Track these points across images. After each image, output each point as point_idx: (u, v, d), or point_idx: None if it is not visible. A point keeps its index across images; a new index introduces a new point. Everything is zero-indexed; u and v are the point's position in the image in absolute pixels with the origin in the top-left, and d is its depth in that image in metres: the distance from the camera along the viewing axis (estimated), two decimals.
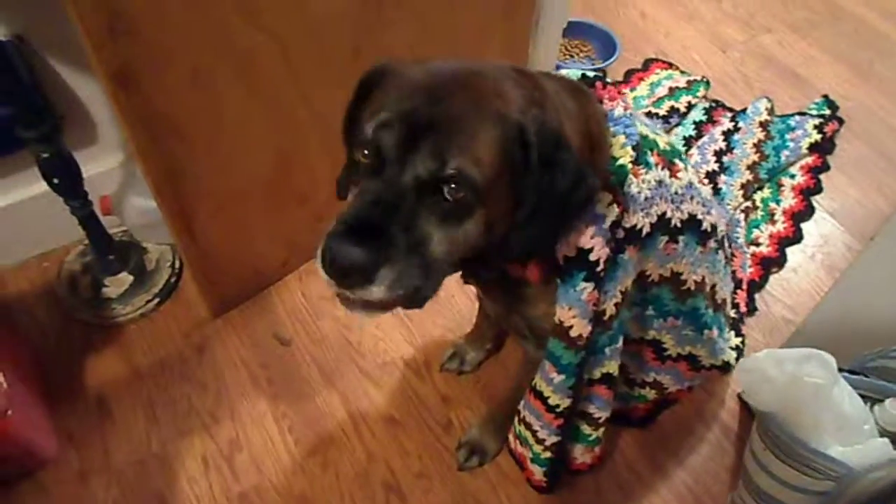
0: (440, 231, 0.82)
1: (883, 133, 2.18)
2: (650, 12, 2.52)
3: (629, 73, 2.28)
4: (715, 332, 1.33)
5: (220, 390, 1.55)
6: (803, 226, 1.92)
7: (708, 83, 2.25)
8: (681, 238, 1.10)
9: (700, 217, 1.13)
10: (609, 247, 0.97)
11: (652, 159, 1.00)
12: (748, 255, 1.82)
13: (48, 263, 1.73)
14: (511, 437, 1.40)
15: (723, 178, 1.96)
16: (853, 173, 2.07)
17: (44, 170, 1.41)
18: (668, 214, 1.05)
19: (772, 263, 1.82)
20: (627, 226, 0.98)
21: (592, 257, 0.96)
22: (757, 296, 1.76)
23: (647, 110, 2.11)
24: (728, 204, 1.89)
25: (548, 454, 1.30)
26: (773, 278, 1.81)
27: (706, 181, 1.94)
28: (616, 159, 0.95)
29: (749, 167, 1.99)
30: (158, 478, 1.43)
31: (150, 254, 1.74)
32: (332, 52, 1.39)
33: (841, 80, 2.33)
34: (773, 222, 1.92)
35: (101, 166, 1.68)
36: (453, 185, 0.79)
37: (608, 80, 1.08)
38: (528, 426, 1.30)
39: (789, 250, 1.86)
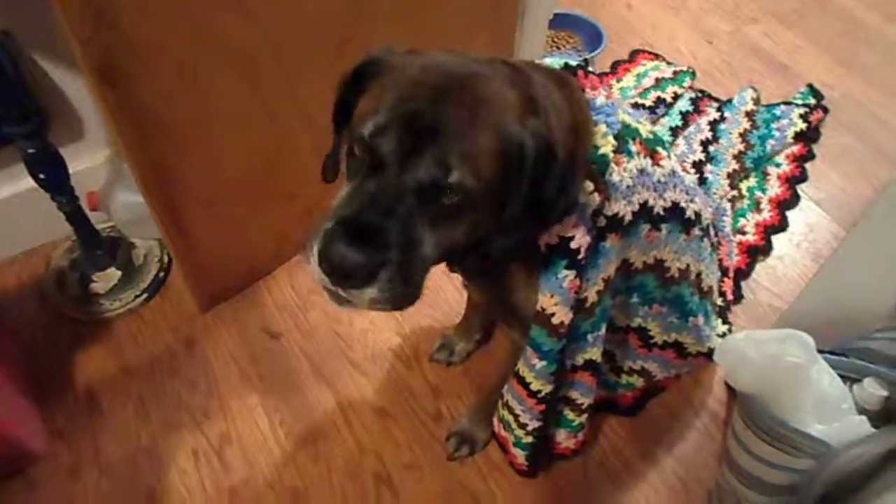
0: (432, 233, 0.82)
1: (868, 122, 2.20)
2: (636, 4, 2.53)
3: (616, 65, 2.29)
4: (700, 319, 1.34)
5: (209, 385, 1.55)
6: (789, 214, 1.93)
7: (694, 73, 2.26)
8: (664, 226, 1.11)
9: (683, 205, 1.14)
10: (590, 235, 0.98)
11: (634, 148, 1.01)
12: (734, 244, 1.83)
13: (35, 260, 1.73)
14: (495, 421, 1.41)
15: (709, 167, 1.97)
16: (838, 162, 2.08)
17: (30, 166, 1.41)
18: (651, 202, 1.06)
19: (758, 251, 1.84)
20: (609, 214, 0.99)
21: (574, 245, 0.97)
22: (743, 284, 1.77)
23: (633, 101, 2.12)
24: (714, 193, 1.91)
25: (530, 439, 1.31)
26: (759, 266, 1.82)
27: (692, 170, 1.95)
28: (598, 148, 0.96)
29: (735, 156, 2.00)
30: (149, 472, 1.43)
31: (138, 249, 1.74)
32: (319, 45, 1.39)
33: (826, 70, 2.34)
34: (759, 211, 1.93)
35: (87, 162, 1.68)
36: (451, 193, 0.79)
37: (590, 69, 1.09)
38: (511, 410, 1.31)
39: (775, 238, 1.88)
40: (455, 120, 0.79)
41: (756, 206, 1.93)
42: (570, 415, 1.32)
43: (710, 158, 1.99)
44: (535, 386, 1.18)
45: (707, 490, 1.42)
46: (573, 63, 1.05)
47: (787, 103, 2.17)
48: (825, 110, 2.17)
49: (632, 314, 1.28)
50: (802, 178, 2.01)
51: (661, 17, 2.50)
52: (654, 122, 2.09)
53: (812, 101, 2.18)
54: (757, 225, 1.89)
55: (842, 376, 0.63)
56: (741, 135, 2.05)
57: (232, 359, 1.59)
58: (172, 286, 1.71)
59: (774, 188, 1.97)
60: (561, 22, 2.27)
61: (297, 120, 1.47)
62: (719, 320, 1.56)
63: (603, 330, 1.16)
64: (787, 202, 1.95)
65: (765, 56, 2.39)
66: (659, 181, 1.07)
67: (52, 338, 1.61)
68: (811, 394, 0.69)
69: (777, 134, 2.07)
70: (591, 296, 1.06)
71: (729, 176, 1.96)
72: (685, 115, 2.12)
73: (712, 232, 1.37)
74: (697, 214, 1.19)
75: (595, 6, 2.46)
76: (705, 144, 2.02)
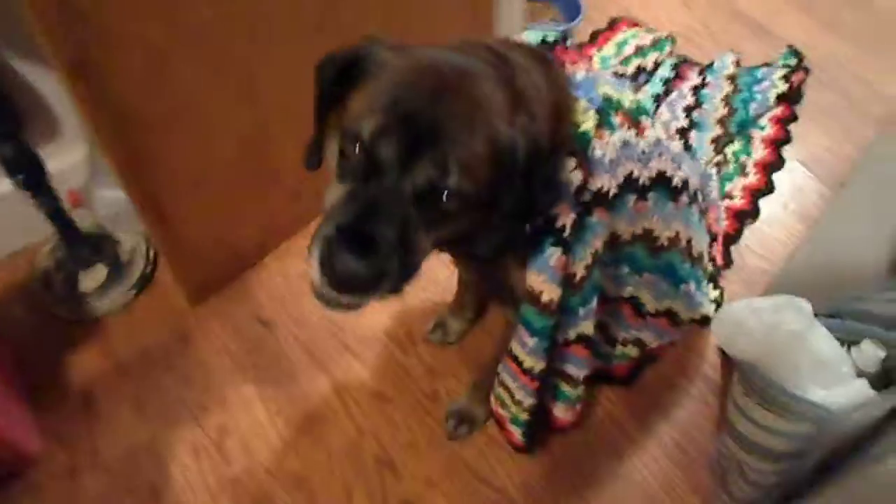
0: (428, 234, 0.84)
1: (849, 81, 2.19)
2: None
3: (595, 34, 2.27)
4: (692, 285, 1.34)
5: (205, 378, 1.54)
6: (775, 177, 1.93)
7: (674, 40, 2.24)
8: (650, 195, 1.11)
9: (669, 173, 1.14)
10: (575, 212, 0.98)
11: (616, 120, 1.01)
12: (722, 209, 1.83)
13: (20, 262, 1.71)
14: (492, 399, 1.41)
15: (693, 133, 1.96)
16: (822, 122, 2.08)
17: (7, 167, 1.39)
18: (636, 174, 1.06)
19: (746, 215, 1.84)
20: (593, 189, 0.99)
21: (559, 224, 0.97)
22: (733, 248, 1.78)
23: (614, 70, 2.10)
24: (700, 159, 1.90)
25: (525, 415, 1.32)
26: (747, 230, 1.82)
27: (677, 137, 1.94)
28: (579, 125, 0.96)
29: (719, 121, 2.00)
30: (150, 469, 1.43)
31: (124, 245, 1.72)
32: (296, 25, 1.36)
33: (806, 30, 2.33)
34: (745, 175, 1.93)
35: (66, 160, 1.65)
36: (448, 197, 0.80)
37: (569, 42, 1.08)
38: (507, 388, 1.31)
39: (763, 202, 1.88)
40: (451, 124, 0.79)
41: (742, 170, 1.93)
42: (565, 388, 1.32)
43: (694, 124, 1.98)
44: (528, 363, 1.18)
45: (706, 456, 1.43)
46: (551, 38, 1.04)
47: (768, 65, 2.16)
48: (807, 71, 2.16)
49: (623, 284, 1.28)
50: (787, 139, 2.01)
51: None
52: (636, 91, 2.07)
53: (793, 62, 2.17)
54: (744, 189, 1.89)
55: (839, 339, 0.63)
56: (724, 99, 2.04)
57: (226, 350, 1.59)
58: (161, 281, 1.69)
59: (759, 151, 1.97)
60: None
61: (276, 102, 1.45)
62: (710, 285, 1.56)
63: (594, 303, 1.16)
64: (773, 165, 1.94)
65: (744, 19, 2.37)
66: (643, 151, 1.07)
67: (42, 339, 1.60)
68: (810, 359, 0.69)
69: (759, 97, 2.06)
70: (580, 271, 1.06)
71: (713, 141, 1.95)
72: (667, 82, 2.11)
73: (699, 198, 1.37)
74: (685, 181, 1.18)
75: None
76: (689, 111, 2.01)
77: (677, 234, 1.22)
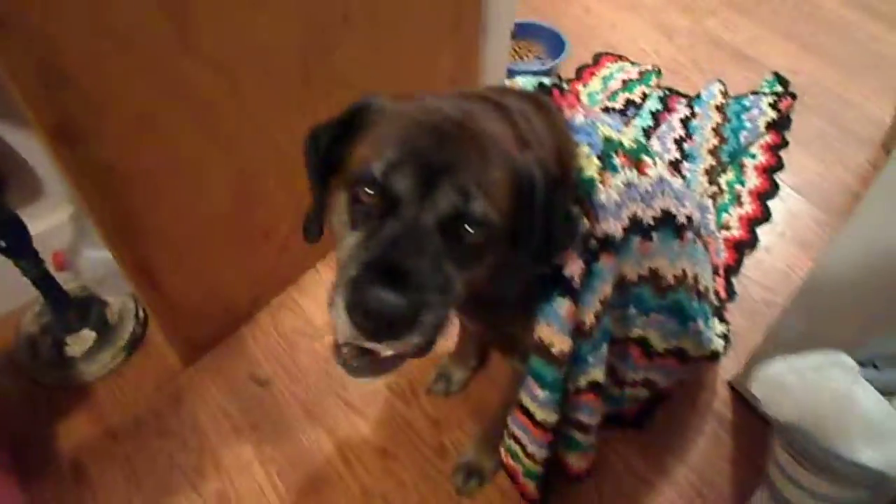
0: (459, 273, 0.79)
1: (835, 104, 2.20)
2: (594, 6, 2.52)
3: (580, 70, 2.27)
4: (700, 323, 1.31)
5: (201, 442, 1.48)
6: (770, 204, 1.92)
7: (659, 72, 2.25)
8: (655, 235, 1.09)
9: (674, 211, 1.11)
10: (582, 259, 0.94)
11: (618, 161, 0.98)
12: (721, 241, 1.81)
13: (4, 328, 1.65)
14: (503, 451, 1.36)
15: (686, 165, 1.95)
16: (812, 147, 2.08)
17: None
18: (640, 214, 1.04)
19: (744, 245, 1.82)
20: (600, 235, 0.96)
21: (567, 273, 0.94)
22: (734, 280, 1.76)
23: (603, 105, 2.10)
24: (694, 191, 1.89)
25: (539, 468, 1.27)
26: (747, 260, 1.81)
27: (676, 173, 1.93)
28: (583, 170, 0.93)
29: (710, 152, 1.99)
30: None
31: (112, 306, 1.67)
32: (281, 78, 1.34)
33: (788, 56, 2.34)
34: (741, 204, 1.91)
35: (49, 221, 1.60)
36: (473, 227, 0.76)
37: (564, 85, 1.06)
38: (518, 440, 1.26)
39: (760, 230, 1.87)
40: (466, 153, 0.77)
41: (737, 200, 1.92)
42: (579, 437, 1.28)
43: (685, 156, 1.97)
44: (539, 416, 1.14)
45: (723, 497, 1.39)
46: (548, 82, 1.01)
47: (755, 93, 2.17)
48: (793, 96, 2.17)
49: (630, 326, 1.24)
50: (779, 166, 2.00)
51: (619, 17, 2.49)
52: (626, 124, 2.07)
53: (779, 88, 2.18)
54: (740, 219, 1.87)
55: (881, 392, 0.60)
56: (714, 129, 2.03)
57: (221, 411, 1.53)
58: (151, 341, 1.64)
59: (753, 180, 1.96)
60: (521, 31, 2.25)
61: (263, 156, 1.42)
62: (716, 320, 1.54)
63: (604, 349, 1.12)
64: (767, 193, 1.93)
65: (726, 47, 2.39)
66: (647, 191, 1.04)
67: (29, 407, 1.53)
68: (858, 418, 0.65)
69: (749, 125, 2.06)
70: (589, 319, 1.02)
71: (707, 172, 1.94)
72: (656, 115, 2.11)
73: (702, 231, 1.34)
74: (689, 218, 1.16)
75: (553, 13, 2.44)
76: (679, 142, 2.00)
77: (684, 271, 1.20)
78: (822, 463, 0.83)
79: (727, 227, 1.86)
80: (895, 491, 0.70)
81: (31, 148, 1.47)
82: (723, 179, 1.96)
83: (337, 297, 0.74)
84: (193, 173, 1.32)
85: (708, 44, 2.40)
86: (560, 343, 0.99)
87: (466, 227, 0.77)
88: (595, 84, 2.20)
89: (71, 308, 1.58)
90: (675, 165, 1.94)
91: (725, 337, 1.52)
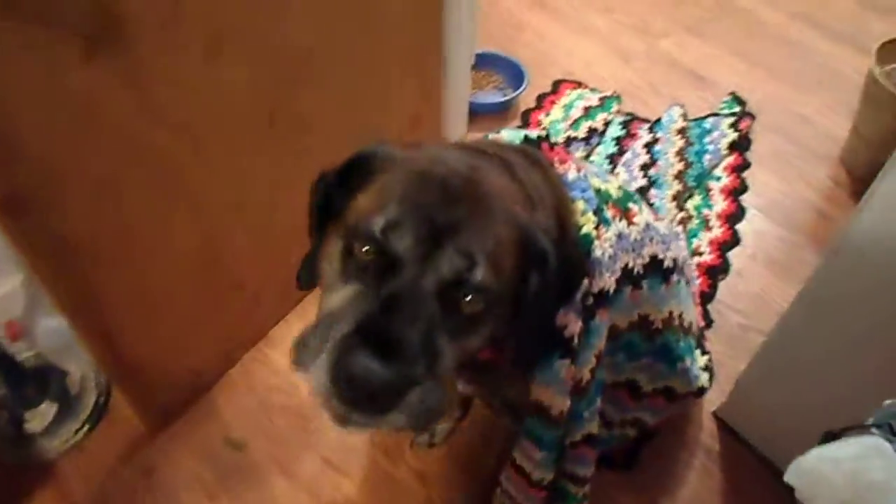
0: (452, 344, 0.74)
1: (791, 121, 2.23)
2: (548, 33, 2.51)
3: (541, 98, 2.26)
4: (688, 361, 1.30)
5: None
6: (738, 227, 1.92)
7: (619, 98, 2.24)
8: (644, 283, 1.07)
9: (661, 256, 1.10)
10: (581, 318, 0.92)
11: (609, 213, 0.96)
12: (693, 267, 1.80)
13: None
14: None
15: (653, 191, 1.95)
16: (772, 166, 2.10)
17: None
18: (630, 264, 1.02)
19: (717, 271, 1.82)
20: (596, 291, 0.93)
21: (567, 334, 0.90)
22: (710, 306, 1.75)
23: (567, 135, 2.09)
24: (664, 218, 1.88)
25: None
26: (721, 286, 1.80)
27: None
28: (580, 227, 0.90)
29: (676, 177, 1.99)
30: None
31: (72, 375, 1.58)
32: (244, 129, 1.29)
33: (743, 75, 2.37)
34: (710, 228, 1.92)
35: (1, 288, 1.51)
36: (474, 294, 0.72)
37: (553, 140, 1.04)
38: (511, 498, 1.22)
39: (730, 254, 1.87)
40: (472, 213, 0.73)
41: (706, 224, 1.92)
42: (572, 489, 1.24)
43: (652, 183, 1.97)
44: (536, 476, 1.10)
45: None
46: (534, 135, 0.99)
47: (714, 115, 2.18)
48: (752, 116, 2.19)
49: (620, 371, 1.23)
50: (743, 188, 2.02)
51: (575, 43, 2.49)
52: (589, 153, 2.06)
53: (737, 108, 2.20)
54: (711, 243, 1.87)
55: None
56: (677, 154, 2.04)
57: (196, 479, 1.46)
58: (117, 410, 1.55)
59: (720, 203, 1.97)
60: (479, 62, 2.22)
61: (229, 209, 1.37)
62: (699, 352, 1.52)
63: (598, 402, 1.09)
64: (735, 215, 1.94)
65: (682, 69, 2.40)
66: (636, 240, 1.03)
67: None
68: None
69: (711, 147, 2.07)
70: (585, 375, 1.00)
71: (674, 198, 1.94)
72: (619, 141, 2.10)
73: (685, 269, 1.33)
74: (674, 261, 1.15)
75: (510, 42, 2.43)
76: (645, 169, 2.00)
77: (670, 313, 1.18)
78: None
79: (698, 253, 1.85)
80: None
81: None
82: (690, 204, 1.96)
83: (325, 354, 0.68)
84: (157, 236, 1.26)
85: (663, 66, 2.41)
86: (560, 404, 0.96)
87: (466, 294, 0.72)
88: (556, 113, 2.19)
89: (28, 381, 1.50)
90: (642, 192, 1.94)
91: (709, 369, 1.50)
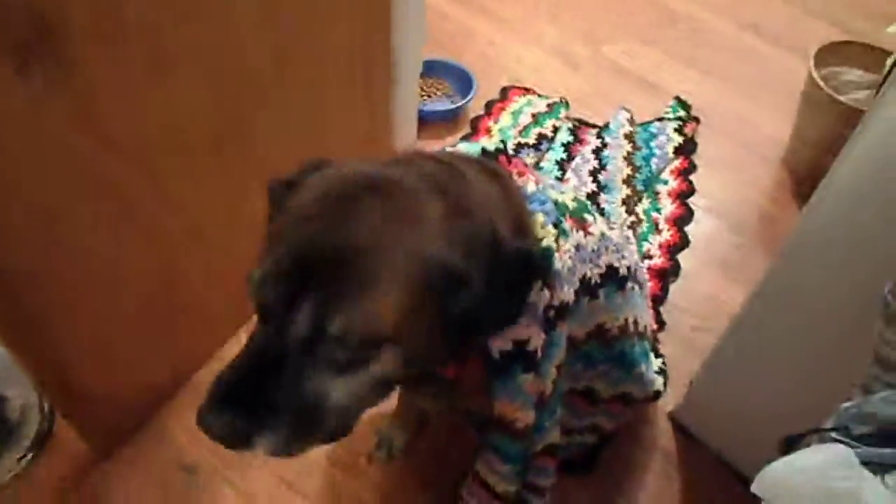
0: (340, 383, 0.76)
1: (735, 123, 2.27)
2: (497, 40, 2.52)
3: (489, 105, 2.26)
4: (643, 366, 1.31)
5: None
6: (687, 229, 1.95)
7: (567, 104, 2.26)
8: (601, 292, 1.07)
9: (616, 265, 1.11)
10: (544, 330, 0.91)
11: (567, 225, 0.96)
12: (644, 270, 1.82)
13: None
14: None
15: (603, 196, 1.96)
16: (719, 168, 2.14)
17: None
18: (588, 275, 1.02)
19: (667, 274, 1.84)
20: (556, 303, 0.92)
21: (530, 348, 0.90)
22: (662, 309, 1.77)
23: (517, 141, 2.09)
24: (615, 222, 1.90)
25: None
26: (672, 288, 1.83)
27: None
28: (540, 240, 0.90)
29: (625, 181, 2.01)
30: None
31: (12, 401, 1.51)
32: (195, 152, 1.25)
33: (687, 80, 2.41)
34: (659, 231, 1.94)
35: None
36: (334, 345, 0.72)
37: (511, 151, 1.03)
38: None
39: (680, 256, 1.89)
40: (354, 251, 0.72)
41: (655, 228, 1.94)
42: (534, 500, 1.23)
43: (602, 188, 1.98)
44: (500, 488, 1.10)
45: None
46: (491, 147, 0.98)
47: (660, 119, 2.22)
48: (697, 120, 2.23)
49: (578, 380, 1.23)
50: (690, 191, 2.05)
51: (523, 50, 2.50)
52: (540, 159, 2.07)
53: (682, 112, 2.24)
54: (661, 246, 1.90)
55: (863, 463, 0.59)
56: (625, 158, 2.06)
57: None
58: (61, 436, 1.49)
59: (668, 206, 2.00)
60: (427, 69, 2.21)
61: (182, 233, 1.34)
62: (652, 355, 1.54)
63: (559, 412, 1.09)
64: (683, 218, 1.97)
65: (629, 75, 2.43)
66: (592, 250, 1.03)
67: None
68: None
69: (658, 151, 2.10)
70: (548, 387, 0.99)
71: (624, 202, 1.96)
72: (568, 146, 2.12)
73: (638, 275, 1.34)
74: (629, 269, 1.15)
75: (458, 49, 2.43)
76: (594, 174, 2.02)
77: (626, 320, 1.19)
78: None
79: (649, 256, 1.88)
80: None
81: None
82: (639, 208, 1.98)
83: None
84: (108, 265, 1.22)
85: (611, 72, 2.44)
86: (525, 418, 0.96)
87: (328, 343, 0.72)
88: (506, 119, 2.19)
89: None
90: (593, 198, 1.95)
91: (663, 372, 1.52)
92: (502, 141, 0.99)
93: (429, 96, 2.24)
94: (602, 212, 1.92)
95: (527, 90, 2.32)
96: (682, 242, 1.92)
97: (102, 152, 1.08)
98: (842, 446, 0.58)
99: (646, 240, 1.91)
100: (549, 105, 2.23)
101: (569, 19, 2.64)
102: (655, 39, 2.57)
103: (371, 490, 1.43)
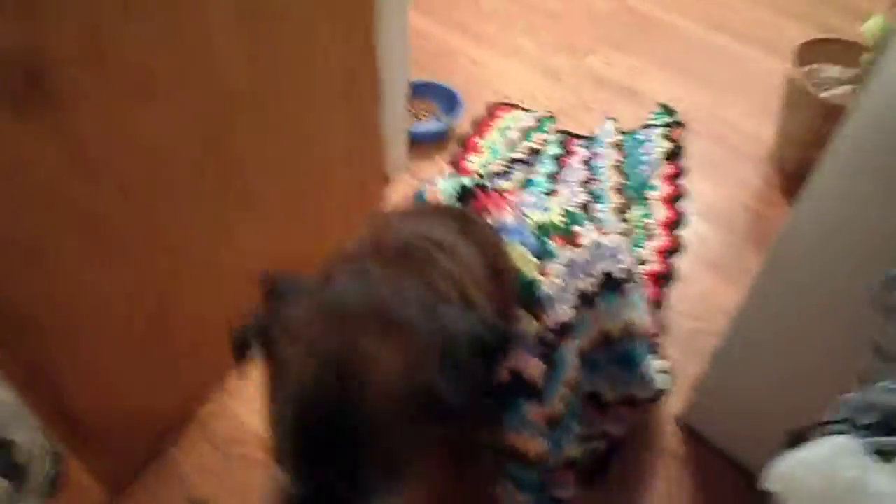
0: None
1: (720, 127, 2.30)
2: (480, 58, 2.55)
3: (476, 123, 2.28)
4: (646, 366, 1.32)
5: None
6: (680, 233, 1.97)
7: (553, 117, 2.28)
8: (599, 300, 1.09)
9: (612, 270, 1.12)
10: (540, 356, 0.92)
11: (553, 245, 0.97)
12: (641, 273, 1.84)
13: None
14: None
15: (596, 206, 1.98)
16: (707, 171, 2.16)
17: None
18: (583, 287, 1.03)
19: (664, 278, 1.86)
20: (553, 325, 0.94)
21: (527, 377, 0.91)
22: (660, 313, 1.78)
23: (510, 157, 2.11)
24: (609, 230, 1.91)
25: None
26: (669, 292, 1.84)
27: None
28: (523, 274, 0.91)
29: (616, 190, 2.03)
30: None
31: (20, 446, 1.50)
32: (185, 175, 1.26)
33: (669, 85, 2.45)
34: (652, 237, 1.96)
35: None
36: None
37: (487, 183, 1.03)
38: None
39: (675, 260, 1.91)
40: (354, 417, 0.71)
41: (648, 234, 1.96)
42: None
43: (595, 198, 2.00)
44: None
45: None
46: (469, 183, 0.99)
47: (646, 126, 2.24)
48: (682, 125, 2.26)
49: (582, 385, 1.23)
50: (681, 195, 2.07)
51: (505, 65, 2.53)
52: (530, 173, 2.09)
53: (668, 118, 2.26)
54: (655, 252, 1.91)
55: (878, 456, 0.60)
56: (615, 167, 2.08)
57: None
58: (72, 477, 1.48)
59: (660, 212, 2.01)
60: (415, 91, 2.24)
61: (172, 262, 1.33)
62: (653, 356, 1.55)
63: (576, 427, 1.10)
64: (676, 222, 1.99)
65: (611, 84, 2.46)
66: (586, 262, 1.04)
67: None
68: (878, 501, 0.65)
69: (647, 158, 2.13)
70: (558, 408, 1.00)
71: (616, 211, 1.98)
72: (557, 158, 2.14)
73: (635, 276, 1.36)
74: (627, 270, 1.17)
75: (442, 69, 2.46)
76: (585, 184, 2.04)
77: (625, 322, 1.20)
78: None
79: (643, 262, 1.89)
80: None
81: None
82: (631, 215, 2.00)
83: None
84: (101, 301, 1.22)
85: (593, 82, 2.47)
86: (536, 447, 0.97)
87: None
88: (494, 136, 2.21)
89: None
90: (586, 208, 1.97)
91: (666, 372, 1.53)
92: (479, 174, 1.01)
93: (417, 117, 2.26)
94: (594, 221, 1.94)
95: (513, 105, 2.34)
96: (676, 247, 1.93)
97: (87, 183, 1.08)
98: (847, 437, 0.59)
99: (639, 246, 1.93)
100: (536, 119, 2.26)
101: (545, 33, 2.68)
102: (631, 46, 2.61)
103: None
